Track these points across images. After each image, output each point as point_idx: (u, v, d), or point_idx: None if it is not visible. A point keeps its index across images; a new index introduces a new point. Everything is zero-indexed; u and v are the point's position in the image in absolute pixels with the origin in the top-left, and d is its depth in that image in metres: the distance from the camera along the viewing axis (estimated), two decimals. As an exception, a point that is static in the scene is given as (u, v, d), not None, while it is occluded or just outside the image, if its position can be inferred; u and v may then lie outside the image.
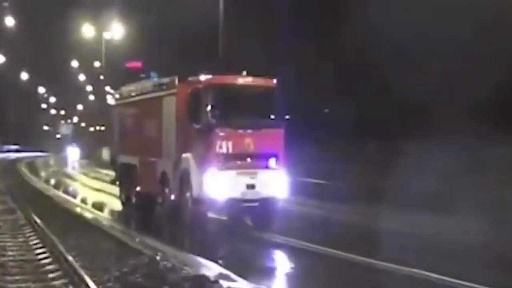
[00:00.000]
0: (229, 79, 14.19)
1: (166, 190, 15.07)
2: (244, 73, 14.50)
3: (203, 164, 13.45)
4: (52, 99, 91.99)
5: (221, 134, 13.35)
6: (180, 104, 14.34)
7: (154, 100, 15.92)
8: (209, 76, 13.86)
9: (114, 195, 19.64)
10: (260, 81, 14.20)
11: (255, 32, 28.12)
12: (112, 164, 19.51)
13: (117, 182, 19.02)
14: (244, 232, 13.87)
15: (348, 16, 22.85)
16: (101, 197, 21.66)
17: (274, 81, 14.25)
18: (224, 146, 13.38)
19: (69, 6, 53.39)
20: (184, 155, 14.09)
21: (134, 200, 17.54)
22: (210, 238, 13.42)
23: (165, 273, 8.82)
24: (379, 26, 20.30)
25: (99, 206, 18.84)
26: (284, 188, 13.85)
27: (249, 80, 14.21)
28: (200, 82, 13.77)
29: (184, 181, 14.03)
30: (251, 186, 13.54)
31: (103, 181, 28.89)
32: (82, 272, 8.82)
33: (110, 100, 19.30)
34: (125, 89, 18.61)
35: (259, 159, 13.73)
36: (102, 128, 67.48)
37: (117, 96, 19.23)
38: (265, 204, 13.75)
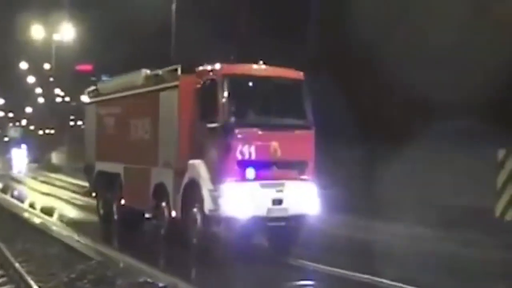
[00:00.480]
0: (251, 69, 11.55)
1: (163, 205, 12.33)
2: (261, 63, 11.96)
3: (219, 173, 10.77)
4: (0, 101, 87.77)
5: (242, 136, 10.70)
6: (185, 99, 11.63)
7: (146, 95, 13.15)
8: (226, 65, 11.22)
9: (64, 200, 19.95)
10: (287, 73, 11.62)
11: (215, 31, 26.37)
12: (87, 172, 16.55)
13: (93, 194, 16.12)
14: (262, 256, 11.30)
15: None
16: (50, 202, 20.94)
17: (301, 73, 11.74)
18: (246, 151, 10.73)
19: (17, 6, 50.88)
20: (191, 162, 11.39)
21: (116, 215, 14.71)
22: (223, 266, 10.76)
23: (113, 279, 8.67)
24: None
25: (48, 211, 17.87)
26: (315, 203, 11.29)
27: (274, 70, 11.60)
28: (215, 72, 11.11)
29: (191, 194, 11.33)
30: (278, 202, 10.93)
31: (52, 185, 28.58)
32: (28, 278, 8.75)
33: (85, 98, 16.14)
34: (104, 84, 15.77)
35: (287, 167, 11.13)
36: (52, 131, 64.79)
37: (94, 92, 16.33)
38: (292, 223, 11.20)
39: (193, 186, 11.23)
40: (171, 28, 25.77)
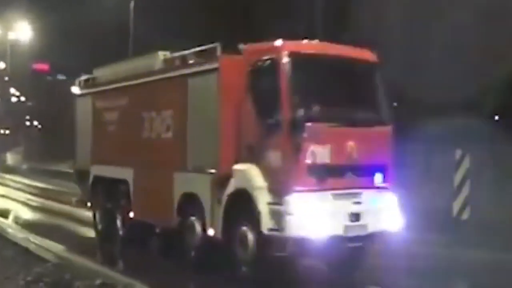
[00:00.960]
0: (322, 47, 9.05)
1: (192, 220, 9.80)
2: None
3: (283, 181, 8.29)
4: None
5: (315, 133, 8.24)
6: (227, 86, 9.12)
7: (166, 83, 10.55)
8: (290, 42, 8.73)
9: (20, 201, 19.10)
10: (360, 53, 9.20)
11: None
12: (79, 178, 13.76)
13: (89, 204, 13.39)
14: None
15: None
16: (5, 204, 19.64)
17: (375, 55, 9.35)
18: (319, 153, 8.29)
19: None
20: (238, 166, 8.89)
21: (122, 231, 12.05)
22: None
23: (70, 281, 8.43)
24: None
25: (3, 213, 16.63)
26: (397, 217, 8.94)
27: (346, 50, 9.17)
28: (275, 49, 8.59)
29: (238, 208, 8.85)
30: (355, 217, 8.53)
31: (7, 186, 27.67)
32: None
33: (75, 89, 13.30)
34: (104, 70, 13.05)
35: (364, 173, 8.73)
36: (7, 131, 61.53)
37: (89, 82, 13.60)
38: (371, 242, 8.85)
39: (243, 198, 8.72)
40: (129, 26, 25.72)
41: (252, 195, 8.53)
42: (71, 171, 27.92)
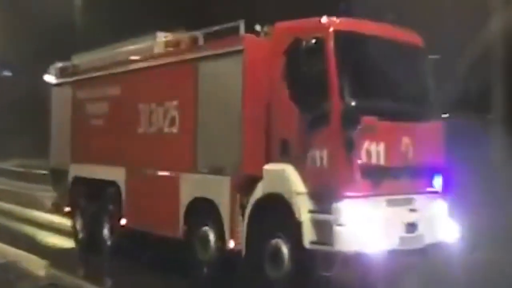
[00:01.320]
0: (372, 26, 7.53)
1: (205, 230, 8.31)
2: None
3: (329, 184, 6.88)
4: None
5: (370, 128, 6.87)
6: (253, 71, 7.67)
7: (172, 68, 9.00)
8: (339, 19, 7.27)
9: None
10: (406, 35, 7.82)
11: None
12: (55, 178, 12.02)
13: (67, 209, 11.68)
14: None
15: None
16: None
17: (420, 38, 8.02)
18: (374, 152, 6.92)
19: None
20: (269, 167, 7.45)
21: (110, 240, 10.44)
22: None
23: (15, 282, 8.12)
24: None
25: None
26: (453, 225, 7.65)
27: (394, 31, 7.77)
28: (322, 28, 7.10)
29: (268, 217, 7.41)
30: (411, 227, 7.20)
31: None
32: None
33: (49, 78, 11.53)
34: (88, 56, 11.37)
35: (418, 175, 7.41)
36: None
37: (68, 69, 11.88)
38: (428, 255, 7.53)
39: (275, 205, 7.29)
40: (75, 20, 25.18)
41: (290, 202, 7.09)
42: (17, 169, 26.67)
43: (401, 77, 7.52)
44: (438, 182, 7.61)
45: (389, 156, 7.02)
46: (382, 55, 7.26)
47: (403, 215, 7.15)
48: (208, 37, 8.58)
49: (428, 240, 7.33)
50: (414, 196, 7.36)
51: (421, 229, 7.24)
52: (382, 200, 7.03)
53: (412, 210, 7.25)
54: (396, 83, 7.44)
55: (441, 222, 7.55)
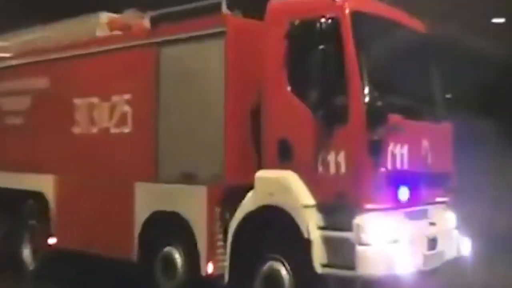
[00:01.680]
0: (387, 9, 6.37)
1: (168, 252, 6.83)
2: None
3: (345, 195, 5.66)
4: None
5: (395, 128, 5.68)
6: (241, 57, 6.33)
7: (122, 55, 7.42)
8: None
9: None
10: (416, 23, 6.79)
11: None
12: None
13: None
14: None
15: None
16: None
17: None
18: (398, 156, 5.79)
19: None
20: (264, 173, 6.11)
21: (32, 264, 8.62)
22: None
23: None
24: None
25: None
26: (465, 239, 6.71)
27: (408, 17, 6.64)
28: (333, 7, 5.75)
29: (261, 235, 6.08)
30: (433, 243, 6.16)
31: None
32: None
33: None
34: (5, 40, 9.41)
35: (434, 183, 6.38)
36: None
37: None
38: (446, 273, 6.54)
39: (272, 219, 5.98)
40: None
41: (294, 216, 5.81)
42: None
43: (420, 70, 6.52)
44: (449, 190, 6.66)
45: (411, 160, 5.94)
46: (401, 42, 6.18)
47: (424, 229, 6.10)
48: (170, 17, 7.10)
49: (447, 256, 6.35)
50: (428, 207, 6.34)
51: (440, 244, 6.23)
52: (401, 213, 5.93)
53: (432, 224, 6.22)
54: (416, 76, 6.39)
55: (454, 235, 6.61)
